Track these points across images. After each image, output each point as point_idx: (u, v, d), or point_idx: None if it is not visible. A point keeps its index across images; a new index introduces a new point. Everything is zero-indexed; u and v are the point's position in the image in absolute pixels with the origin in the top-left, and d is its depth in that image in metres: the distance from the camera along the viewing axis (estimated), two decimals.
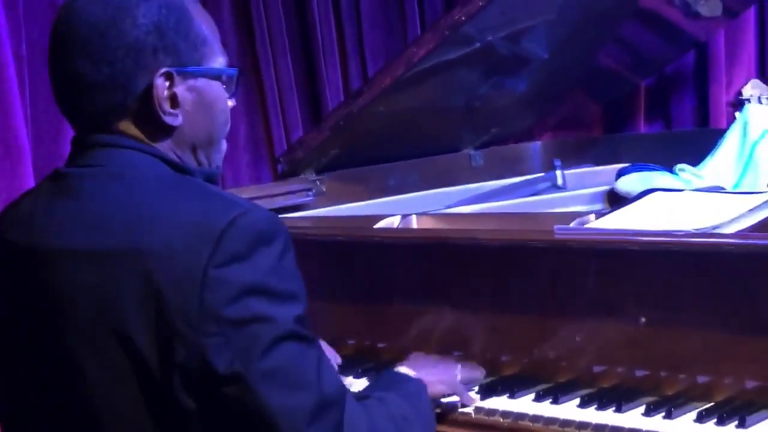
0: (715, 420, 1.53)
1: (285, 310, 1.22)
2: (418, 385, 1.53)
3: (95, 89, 1.28)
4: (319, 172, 2.44)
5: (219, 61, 1.35)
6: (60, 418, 1.28)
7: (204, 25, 1.33)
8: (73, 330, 1.24)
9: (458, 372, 1.69)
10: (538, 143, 2.89)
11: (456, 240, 1.91)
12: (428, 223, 2.09)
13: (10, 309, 1.31)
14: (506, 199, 2.40)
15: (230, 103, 1.38)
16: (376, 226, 2.04)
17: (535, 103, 2.79)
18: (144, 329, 1.20)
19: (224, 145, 1.40)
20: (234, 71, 1.37)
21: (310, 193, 2.41)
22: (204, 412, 1.21)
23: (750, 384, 1.58)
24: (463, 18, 2.15)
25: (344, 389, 1.30)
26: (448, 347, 1.85)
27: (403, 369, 1.58)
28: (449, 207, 2.34)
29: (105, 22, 1.27)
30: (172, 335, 1.19)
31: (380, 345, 1.95)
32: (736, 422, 1.52)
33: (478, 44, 2.32)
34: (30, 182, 2.44)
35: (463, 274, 1.85)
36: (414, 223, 2.08)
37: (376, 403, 1.38)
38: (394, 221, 2.05)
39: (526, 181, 2.63)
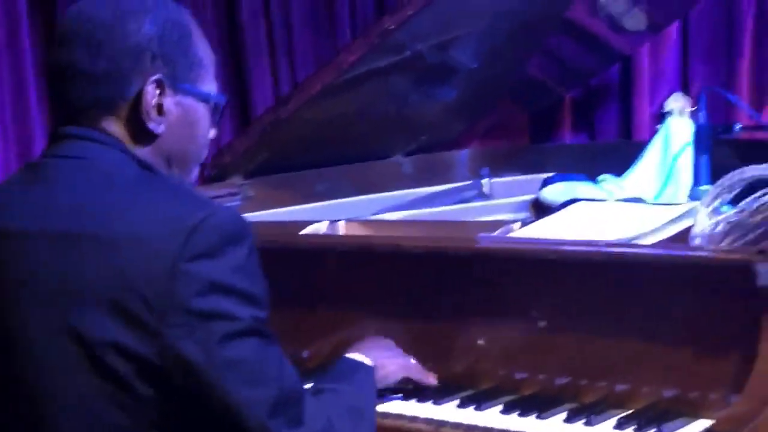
0: (634, 427, 1.56)
1: (247, 309, 1.26)
2: (369, 371, 1.57)
3: (88, 81, 1.31)
4: (247, 177, 2.42)
5: (210, 87, 1.39)
6: (8, 401, 1.29)
7: (202, 48, 1.38)
8: (30, 309, 1.25)
9: (412, 359, 1.74)
10: (466, 151, 2.91)
11: (380, 247, 1.91)
12: (356, 230, 2.08)
13: None
14: (434, 207, 2.42)
15: (212, 132, 1.41)
16: (302, 232, 2.03)
17: (463, 112, 2.81)
18: (102, 314, 1.21)
19: (196, 171, 1.43)
20: (222, 98, 1.41)
21: (236, 198, 2.39)
22: (165, 401, 1.23)
23: (667, 392, 1.61)
24: (393, 26, 2.16)
25: (303, 386, 1.33)
26: None
27: (355, 355, 1.61)
28: (377, 213, 2.34)
29: (112, 21, 1.31)
30: (132, 323, 1.21)
31: (305, 353, 1.94)
32: (654, 430, 1.54)
33: (407, 52, 2.33)
34: None
35: (387, 280, 1.86)
36: (342, 229, 2.07)
37: (332, 397, 1.42)
38: (321, 227, 2.05)
39: (453, 188, 2.65)
